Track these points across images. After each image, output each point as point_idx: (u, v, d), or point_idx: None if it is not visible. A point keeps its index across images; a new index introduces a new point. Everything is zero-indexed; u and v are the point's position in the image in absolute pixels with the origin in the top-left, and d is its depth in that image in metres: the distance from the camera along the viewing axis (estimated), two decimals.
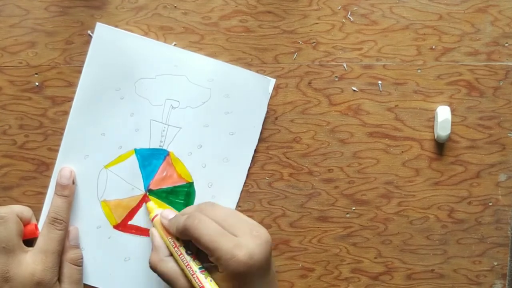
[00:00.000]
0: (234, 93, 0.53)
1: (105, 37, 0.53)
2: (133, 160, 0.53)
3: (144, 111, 0.53)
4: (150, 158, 0.53)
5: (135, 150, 0.53)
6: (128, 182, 0.53)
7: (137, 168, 0.53)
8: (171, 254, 0.48)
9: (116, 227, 0.54)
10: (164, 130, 0.53)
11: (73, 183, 0.53)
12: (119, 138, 0.53)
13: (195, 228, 0.45)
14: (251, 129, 0.54)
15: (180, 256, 0.47)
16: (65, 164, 0.53)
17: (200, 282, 0.45)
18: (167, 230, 0.49)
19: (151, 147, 0.53)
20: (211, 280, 0.45)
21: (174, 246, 0.48)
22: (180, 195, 0.54)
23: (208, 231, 0.45)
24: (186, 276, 0.46)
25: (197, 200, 0.54)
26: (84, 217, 0.53)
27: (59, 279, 0.51)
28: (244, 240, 0.44)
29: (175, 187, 0.54)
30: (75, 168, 0.53)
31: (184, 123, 0.53)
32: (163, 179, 0.54)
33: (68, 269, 0.51)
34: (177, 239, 0.48)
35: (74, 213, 0.53)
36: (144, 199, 0.53)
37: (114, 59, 0.53)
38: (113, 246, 0.53)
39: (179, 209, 0.53)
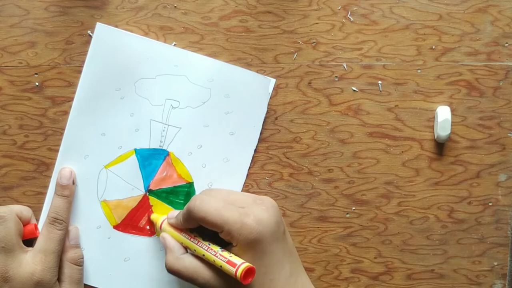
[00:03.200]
0: (234, 93, 0.53)
1: (105, 37, 0.53)
2: (133, 160, 0.53)
3: (144, 111, 0.53)
4: (150, 158, 0.53)
5: (135, 150, 0.53)
6: (128, 182, 0.53)
7: (137, 168, 0.53)
8: (187, 251, 0.48)
9: (116, 227, 0.54)
10: (164, 130, 0.53)
11: (73, 183, 0.53)
12: (119, 138, 0.53)
13: (199, 208, 0.45)
14: (251, 129, 0.54)
15: (198, 243, 0.46)
16: (65, 164, 0.53)
17: (225, 258, 0.44)
18: (177, 228, 0.49)
19: (151, 147, 0.53)
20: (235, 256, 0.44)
21: (189, 238, 0.47)
22: (180, 195, 0.54)
23: (212, 207, 0.45)
24: (208, 262, 0.45)
25: None
26: (84, 217, 0.53)
27: (59, 279, 0.51)
28: (249, 208, 0.45)
29: (175, 187, 0.54)
30: (75, 168, 0.53)
31: (184, 123, 0.53)
32: (163, 179, 0.54)
33: (68, 269, 0.51)
34: (191, 231, 0.48)
35: (74, 213, 0.53)
36: (144, 199, 0.54)
37: (114, 59, 0.53)
38: (113, 246, 0.53)
39: (179, 209, 0.53)
